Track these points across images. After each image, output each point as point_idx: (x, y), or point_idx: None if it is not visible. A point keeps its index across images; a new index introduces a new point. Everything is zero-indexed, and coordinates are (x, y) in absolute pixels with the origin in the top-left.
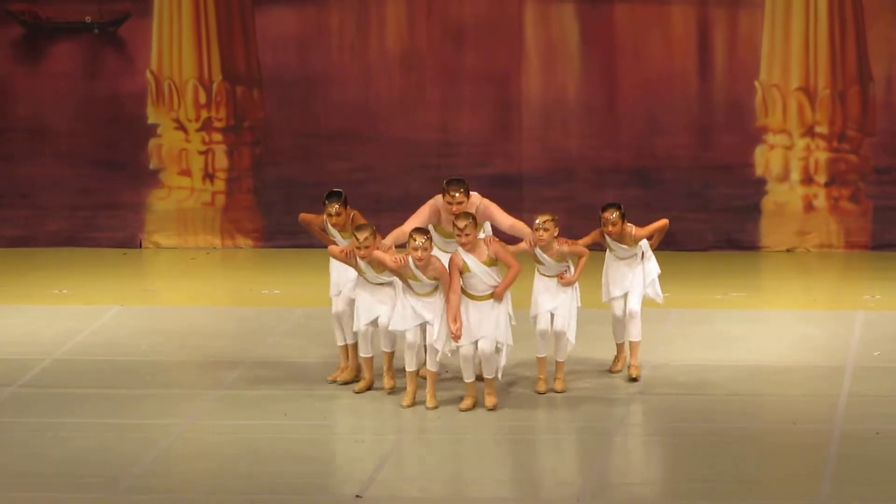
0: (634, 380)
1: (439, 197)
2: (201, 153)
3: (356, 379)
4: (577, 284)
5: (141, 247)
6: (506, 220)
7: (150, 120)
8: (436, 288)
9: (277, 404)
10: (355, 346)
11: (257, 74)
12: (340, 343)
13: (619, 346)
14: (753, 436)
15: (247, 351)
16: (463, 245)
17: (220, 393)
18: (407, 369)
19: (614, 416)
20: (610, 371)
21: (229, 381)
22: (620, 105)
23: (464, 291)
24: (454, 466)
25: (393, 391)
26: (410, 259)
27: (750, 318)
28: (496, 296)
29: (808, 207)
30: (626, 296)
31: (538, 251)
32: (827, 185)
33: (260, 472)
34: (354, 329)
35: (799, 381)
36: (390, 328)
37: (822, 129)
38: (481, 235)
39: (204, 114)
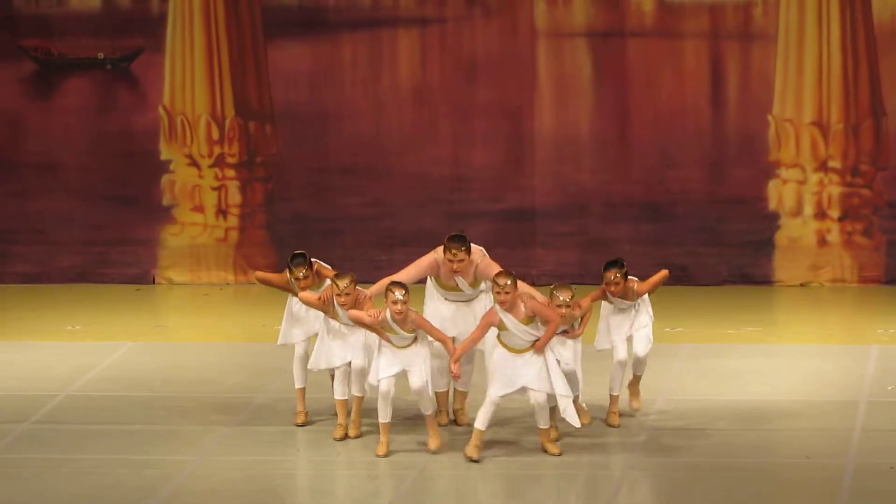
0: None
1: (440, 250)
2: (214, 189)
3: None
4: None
5: (154, 283)
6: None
7: (163, 156)
8: (414, 340)
9: (291, 440)
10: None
11: (270, 110)
12: (300, 386)
13: (614, 399)
14: (767, 470)
15: (260, 387)
16: (502, 304)
17: (234, 429)
18: (381, 421)
19: (627, 450)
20: (607, 424)
21: (243, 417)
22: (633, 139)
23: (503, 344)
24: (470, 498)
25: (359, 437)
26: (388, 313)
27: (763, 353)
28: (537, 349)
29: (822, 242)
30: (629, 339)
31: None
32: (840, 219)
33: None
34: (324, 368)
35: (813, 415)
36: (369, 381)
37: (835, 163)
38: (482, 287)
39: (217, 149)
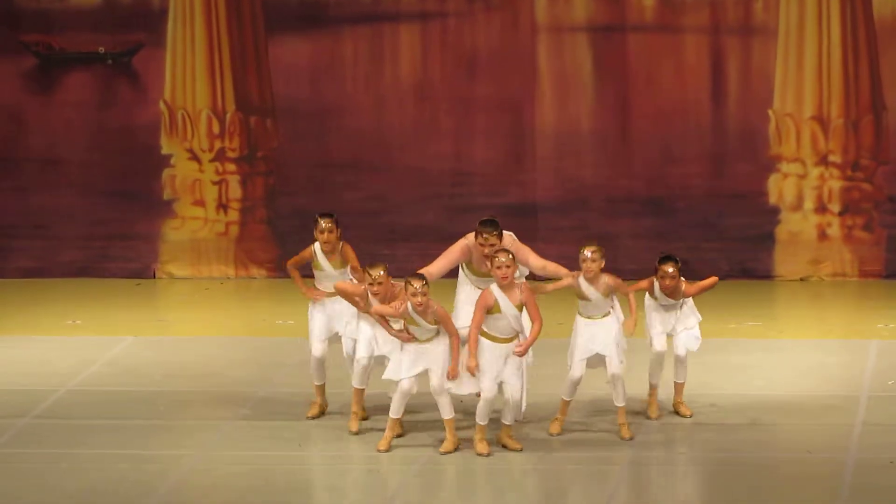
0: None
1: (471, 236)
2: (215, 183)
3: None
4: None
5: (154, 277)
6: (538, 262)
7: (164, 150)
8: (437, 333)
9: (291, 435)
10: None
11: (271, 104)
12: (320, 383)
13: (654, 389)
14: (768, 465)
15: (261, 381)
16: (502, 279)
17: (234, 423)
18: (391, 416)
19: (628, 445)
20: (648, 417)
21: (243, 411)
22: (634, 134)
23: (484, 334)
24: (471, 496)
25: (402, 434)
26: (409, 304)
27: (764, 348)
28: (518, 353)
29: (822, 236)
30: (670, 334)
31: (584, 284)
32: (841, 213)
33: (275, 503)
34: (357, 357)
35: (813, 410)
36: (383, 377)
37: (835, 157)
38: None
39: (217, 144)
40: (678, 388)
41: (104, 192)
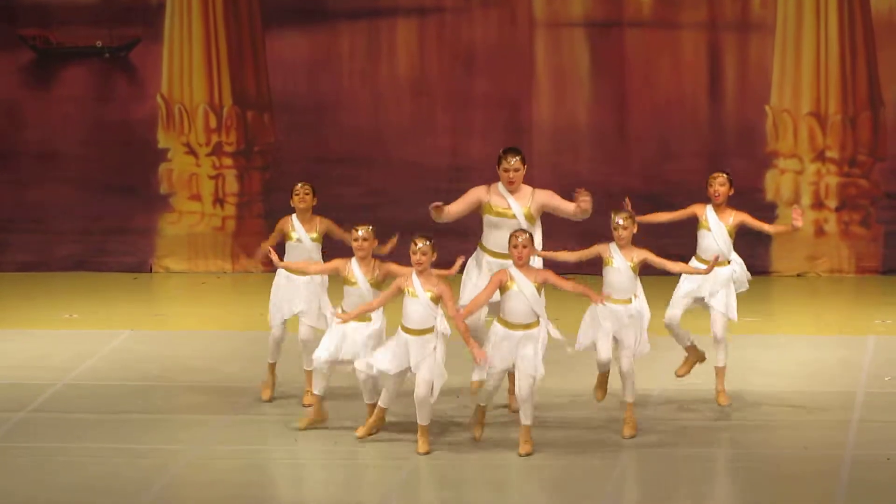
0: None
1: (483, 186)
2: (212, 178)
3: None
4: (644, 316)
5: (151, 271)
6: (569, 206)
7: (161, 144)
8: (431, 328)
9: (288, 430)
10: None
11: (268, 99)
12: (308, 367)
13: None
14: (765, 461)
15: (257, 376)
16: (518, 259)
17: (231, 418)
18: (380, 404)
19: (622, 442)
20: (678, 375)
21: (240, 406)
22: (631, 130)
23: (500, 320)
24: (466, 490)
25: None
26: (413, 273)
27: (760, 344)
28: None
29: (819, 232)
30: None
31: (614, 249)
32: (837, 209)
33: (271, 498)
34: (315, 358)
35: (810, 406)
36: (368, 362)
37: (832, 153)
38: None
39: (214, 138)
40: (718, 372)
41: (101, 186)
